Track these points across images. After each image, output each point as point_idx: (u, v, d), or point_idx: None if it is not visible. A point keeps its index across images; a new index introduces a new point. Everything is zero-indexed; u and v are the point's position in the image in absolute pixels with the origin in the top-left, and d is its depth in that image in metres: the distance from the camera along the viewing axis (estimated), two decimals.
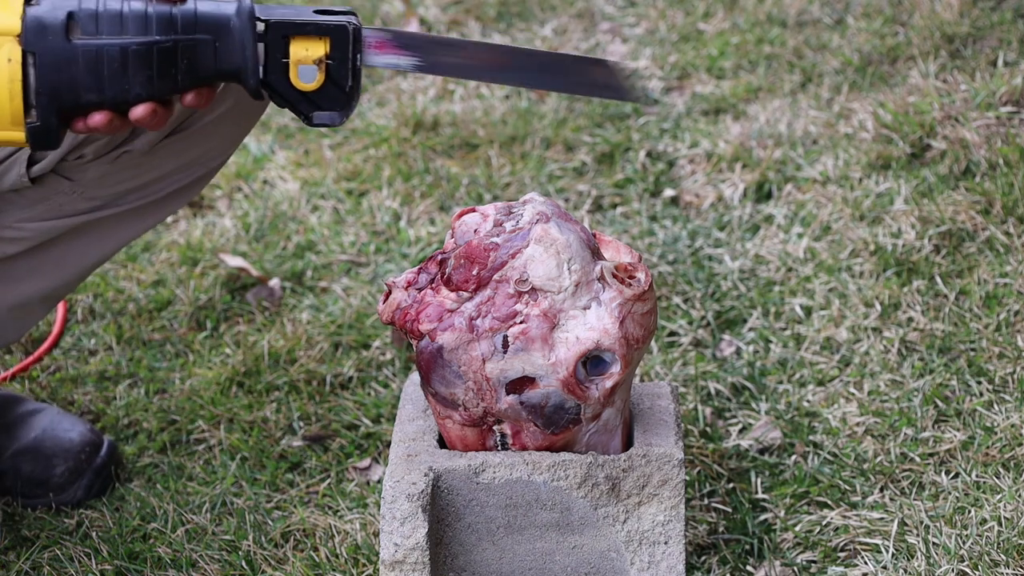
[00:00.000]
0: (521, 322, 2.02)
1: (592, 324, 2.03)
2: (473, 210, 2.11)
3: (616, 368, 2.03)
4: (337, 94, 1.97)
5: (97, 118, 1.91)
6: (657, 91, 3.60)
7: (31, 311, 2.36)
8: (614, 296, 2.04)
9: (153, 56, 1.91)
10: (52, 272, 2.33)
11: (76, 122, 1.92)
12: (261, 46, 1.94)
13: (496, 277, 2.03)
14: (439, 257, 2.09)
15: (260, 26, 1.94)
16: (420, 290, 2.07)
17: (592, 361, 2.04)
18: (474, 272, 2.03)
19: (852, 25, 3.67)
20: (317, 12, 1.98)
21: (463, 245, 2.05)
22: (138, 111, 1.91)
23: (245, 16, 1.93)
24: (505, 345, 2.02)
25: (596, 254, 2.07)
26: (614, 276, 2.05)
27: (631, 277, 2.06)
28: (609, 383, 2.04)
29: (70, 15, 1.90)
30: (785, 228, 3.01)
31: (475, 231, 2.06)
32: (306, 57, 1.95)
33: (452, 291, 2.04)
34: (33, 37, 1.89)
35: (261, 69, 1.94)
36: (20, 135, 1.91)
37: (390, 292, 2.09)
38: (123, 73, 1.90)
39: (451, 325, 2.03)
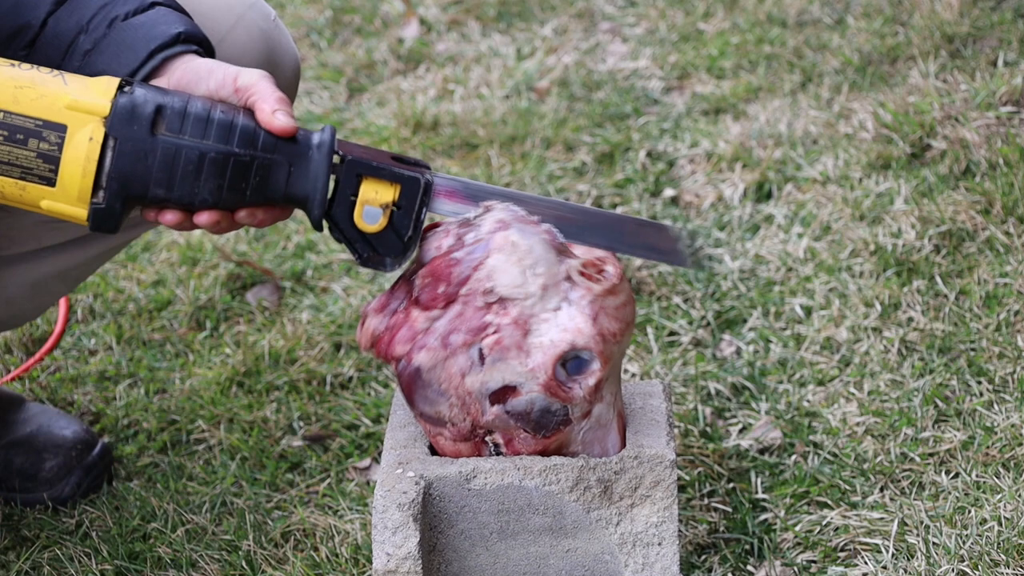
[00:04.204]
0: (494, 332, 2.01)
1: (564, 325, 2.01)
2: (436, 226, 2.09)
3: (596, 365, 2.02)
4: (395, 241, 2.00)
5: (169, 216, 1.95)
6: (657, 91, 3.61)
7: (48, 289, 2.37)
8: (583, 294, 2.02)
9: (228, 167, 1.93)
10: (69, 249, 2.33)
11: (148, 211, 1.96)
12: (333, 178, 1.97)
13: (463, 292, 2.01)
14: (407, 278, 2.07)
15: (336, 159, 1.97)
16: (393, 314, 2.05)
17: (572, 361, 2.02)
18: (440, 290, 2.01)
19: (852, 25, 3.67)
20: (395, 158, 2.00)
21: (426, 264, 2.04)
22: (203, 217, 1.95)
23: (325, 148, 1.96)
24: (481, 357, 2.01)
25: (564, 253, 2.05)
26: (581, 274, 2.03)
27: (600, 272, 2.05)
28: (592, 380, 2.02)
29: (159, 109, 1.92)
30: (785, 228, 3.01)
31: (437, 247, 2.04)
32: (374, 199, 1.98)
33: (423, 311, 2.02)
34: (119, 123, 1.92)
35: (328, 202, 1.97)
36: (83, 212, 1.94)
37: (366, 319, 2.07)
38: (196, 177, 1.93)
39: (425, 345, 2.01)
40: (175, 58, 1.97)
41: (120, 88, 1.93)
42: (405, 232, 1.99)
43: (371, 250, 2.00)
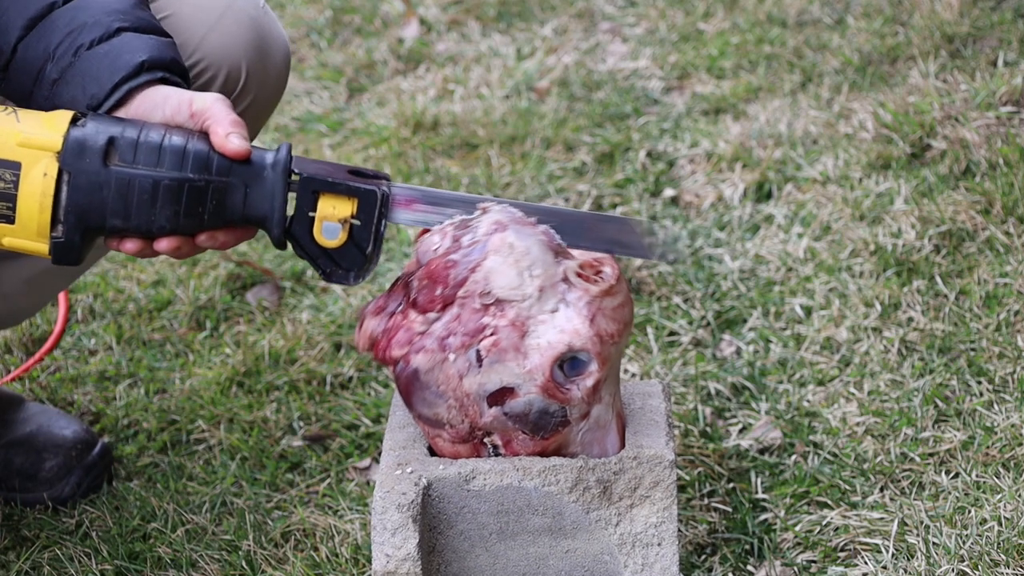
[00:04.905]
0: (491, 334, 2.00)
1: (562, 326, 2.01)
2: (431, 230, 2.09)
3: (594, 367, 2.02)
4: (356, 255, 2.01)
5: (129, 245, 1.97)
6: (657, 91, 3.61)
7: (45, 285, 2.37)
8: (580, 295, 2.02)
9: (183, 193, 1.95)
10: None
11: (109, 241, 1.98)
12: (292, 196, 1.98)
13: (460, 294, 2.01)
14: (404, 280, 2.07)
15: (294, 177, 1.98)
16: (391, 316, 2.05)
17: (570, 362, 2.02)
18: (437, 292, 2.01)
19: (852, 25, 3.67)
20: (352, 172, 2.01)
21: (424, 266, 2.04)
22: (163, 244, 1.97)
23: (280, 167, 1.97)
24: (479, 359, 2.00)
25: (561, 255, 2.05)
26: (579, 275, 2.03)
27: (597, 273, 2.05)
28: (590, 382, 2.02)
29: (111, 140, 1.93)
30: (785, 228, 3.01)
31: (434, 250, 2.04)
32: (332, 215, 1.99)
33: (420, 313, 2.02)
34: (71, 157, 1.93)
35: (287, 220, 1.98)
36: (43, 247, 1.96)
37: (363, 321, 2.08)
38: (151, 205, 1.95)
39: (422, 347, 2.01)
40: (139, 88, 1.98)
41: (73, 122, 1.94)
42: (366, 245, 2.00)
43: (334, 265, 2.01)
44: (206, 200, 1.95)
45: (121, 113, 1.98)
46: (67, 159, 1.93)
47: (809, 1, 3.82)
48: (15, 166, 1.93)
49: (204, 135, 1.96)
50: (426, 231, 2.06)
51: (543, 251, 2.02)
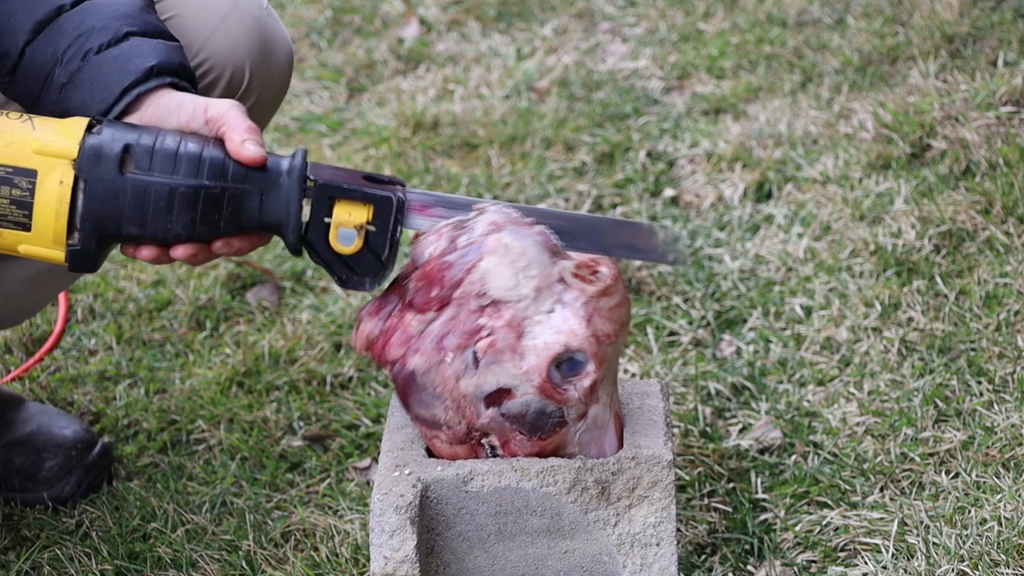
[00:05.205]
0: (487, 335, 2.00)
1: (558, 327, 2.01)
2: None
3: (590, 367, 2.02)
4: (372, 261, 2.01)
5: (145, 252, 1.97)
6: (657, 91, 3.61)
7: (45, 284, 2.38)
8: (577, 296, 2.02)
9: (200, 200, 1.95)
10: None
11: (125, 248, 1.98)
12: (307, 202, 1.99)
13: (456, 295, 2.01)
14: (401, 281, 2.07)
15: (309, 183, 1.98)
16: (388, 317, 2.05)
17: (567, 363, 2.02)
18: (434, 293, 2.01)
19: (852, 25, 3.67)
20: (367, 178, 2.01)
21: (420, 267, 2.04)
22: (179, 251, 1.97)
23: (295, 174, 1.97)
24: (476, 360, 2.00)
25: (557, 255, 2.05)
26: (575, 275, 2.03)
27: (594, 273, 2.05)
28: (587, 382, 2.02)
29: (126, 148, 1.94)
30: (785, 228, 3.01)
31: (430, 251, 2.04)
32: (347, 221, 1.99)
33: (416, 314, 2.02)
34: (87, 165, 1.94)
35: (303, 226, 1.98)
36: (60, 254, 1.96)
37: (360, 322, 2.08)
38: (167, 212, 1.95)
39: (419, 348, 2.01)
40: (149, 93, 1.98)
41: (89, 129, 1.94)
42: (381, 252, 2.01)
43: (349, 271, 2.01)
44: (222, 207, 1.95)
45: (132, 118, 1.98)
46: (83, 166, 1.93)
47: (809, 1, 3.82)
48: (31, 174, 1.93)
49: (219, 142, 1.96)
50: (420, 234, 2.06)
51: (539, 251, 2.02)
